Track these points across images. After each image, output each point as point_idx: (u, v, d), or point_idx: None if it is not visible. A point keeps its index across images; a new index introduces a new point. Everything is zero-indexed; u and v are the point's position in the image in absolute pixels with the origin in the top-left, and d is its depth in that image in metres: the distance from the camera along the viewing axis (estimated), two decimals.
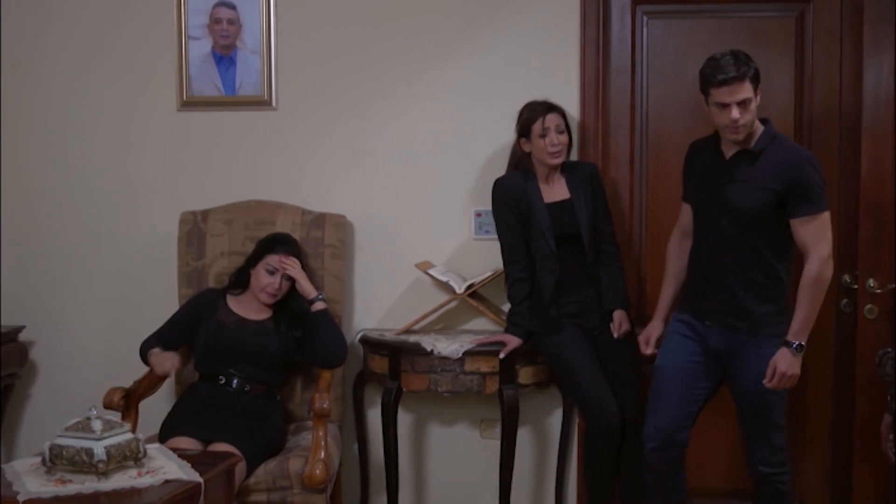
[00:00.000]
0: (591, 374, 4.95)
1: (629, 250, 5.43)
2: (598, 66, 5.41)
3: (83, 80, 5.75)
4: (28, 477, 4.00)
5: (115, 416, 4.32)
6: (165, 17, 5.64)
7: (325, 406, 4.78)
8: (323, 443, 4.75)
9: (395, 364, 5.18)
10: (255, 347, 5.02)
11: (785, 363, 4.47)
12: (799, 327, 4.49)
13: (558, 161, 5.04)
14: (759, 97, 4.47)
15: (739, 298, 4.59)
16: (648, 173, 5.48)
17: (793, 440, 5.38)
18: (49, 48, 5.75)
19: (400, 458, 5.39)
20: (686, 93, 5.36)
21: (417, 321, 5.38)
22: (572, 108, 5.32)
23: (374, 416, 5.49)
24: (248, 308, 5.12)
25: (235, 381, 4.97)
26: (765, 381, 4.50)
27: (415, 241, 5.51)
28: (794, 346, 4.48)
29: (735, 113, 4.44)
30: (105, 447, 3.96)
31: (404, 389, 5.19)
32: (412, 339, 5.20)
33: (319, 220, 5.41)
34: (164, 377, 4.97)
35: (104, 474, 3.94)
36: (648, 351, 4.95)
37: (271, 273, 5.04)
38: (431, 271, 5.35)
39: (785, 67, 5.35)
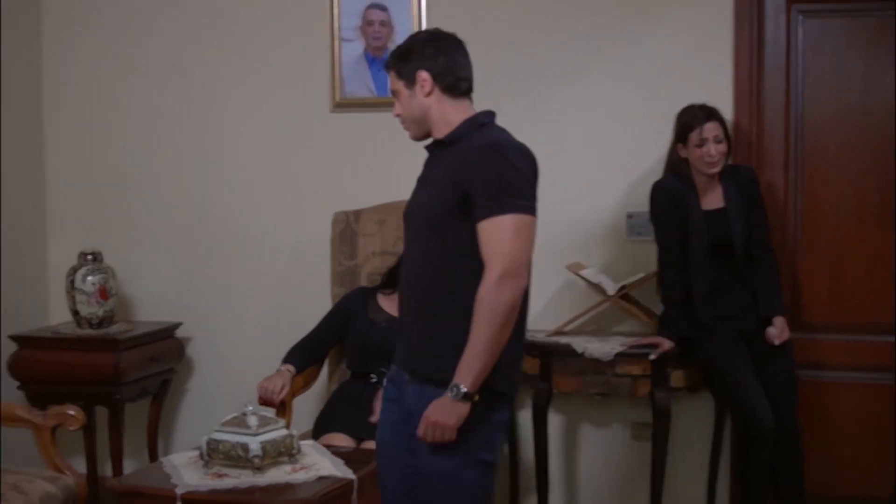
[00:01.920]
0: (745, 378, 4.87)
1: (783, 254, 5.32)
2: (751, 67, 5.32)
3: (239, 82, 5.85)
4: (186, 470, 4.08)
5: (270, 413, 4.37)
6: (318, 19, 5.70)
7: None
8: None
9: (546, 365, 5.16)
10: None
11: (436, 410, 3.37)
12: (464, 366, 3.34)
13: (715, 171, 4.96)
14: (420, 87, 3.56)
15: (420, 332, 3.57)
16: (804, 176, 5.34)
17: None
18: (207, 51, 5.86)
19: (550, 460, 5.37)
20: (844, 94, 5.25)
21: (569, 323, 5.35)
22: (726, 108, 5.24)
23: (525, 417, 5.47)
24: None
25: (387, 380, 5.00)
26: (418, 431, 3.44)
27: (567, 242, 5.47)
28: (455, 391, 3.34)
29: (394, 108, 3.70)
30: (261, 442, 4.02)
31: (555, 391, 5.18)
32: (563, 340, 5.18)
33: None
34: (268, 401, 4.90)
35: (259, 469, 3.99)
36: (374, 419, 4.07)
37: None
38: (583, 273, 5.32)
39: None
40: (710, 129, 4.95)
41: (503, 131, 3.60)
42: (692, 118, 4.98)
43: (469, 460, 3.44)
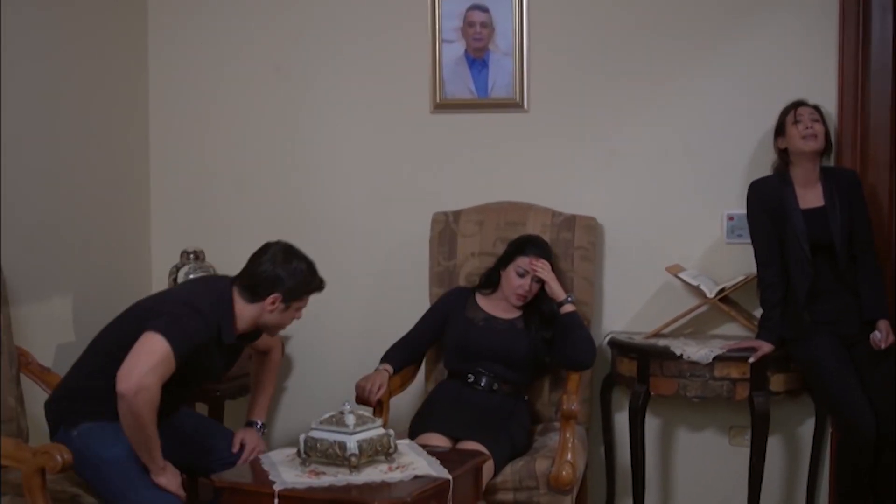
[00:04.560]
0: (846, 383, 4.81)
1: (887, 258, 5.23)
2: (857, 68, 5.24)
3: (340, 84, 5.89)
4: (284, 467, 4.11)
5: (367, 412, 4.40)
6: (420, 21, 5.73)
7: (573, 407, 4.76)
8: (570, 444, 4.73)
9: (643, 367, 5.14)
10: (504, 346, 5.04)
11: None
12: None
13: (813, 146, 4.93)
14: None
15: None
16: None
17: None
18: (309, 53, 5.91)
19: (647, 463, 5.35)
20: None
21: (667, 325, 5.33)
22: (830, 109, 5.18)
23: (622, 420, 5.46)
24: (498, 307, 5.15)
25: (484, 380, 5.01)
26: None
27: (666, 244, 5.46)
28: None
29: None
30: (357, 441, 4.03)
31: (652, 393, 5.15)
32: (661, 342, 5.16)
33: (570, 221, 5.41)
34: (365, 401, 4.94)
35: (356, 468, 4.01)
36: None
37: (522, 275, 5.05)
38: (682, 275, 5.29)
39: None
40: (805, 109, 4.98)
41: None
42: (787, 106, 5.04)
43: None
